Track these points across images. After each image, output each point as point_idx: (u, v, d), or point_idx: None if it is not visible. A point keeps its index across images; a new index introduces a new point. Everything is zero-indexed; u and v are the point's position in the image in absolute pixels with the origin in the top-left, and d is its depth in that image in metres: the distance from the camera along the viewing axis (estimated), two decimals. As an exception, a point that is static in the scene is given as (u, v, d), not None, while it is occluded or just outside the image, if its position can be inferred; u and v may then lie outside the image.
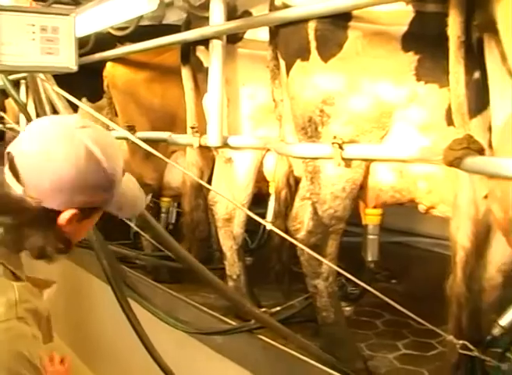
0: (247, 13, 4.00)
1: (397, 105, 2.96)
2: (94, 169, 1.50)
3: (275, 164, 3.81)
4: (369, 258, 3.36)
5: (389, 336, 3.82)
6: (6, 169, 1.51)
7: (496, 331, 2.72)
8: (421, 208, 3.21)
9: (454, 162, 2.36)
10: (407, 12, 2.94)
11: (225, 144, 3.85)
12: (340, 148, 2.86)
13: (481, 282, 2.80)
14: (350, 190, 3.10)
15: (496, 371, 2.67)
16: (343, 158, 2.89)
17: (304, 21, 3.13)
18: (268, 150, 3.83)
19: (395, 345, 3.68)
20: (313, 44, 3.12)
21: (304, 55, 3.17)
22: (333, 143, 2.87)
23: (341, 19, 3.04)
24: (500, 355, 2.68)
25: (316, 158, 3.11)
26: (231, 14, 3.87)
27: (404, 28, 2.94)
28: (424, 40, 2.88)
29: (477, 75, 2.74)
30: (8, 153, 1.51)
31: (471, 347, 2.60)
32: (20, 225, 1.51)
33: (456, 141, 2.39)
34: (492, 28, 2.47)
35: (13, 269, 1.54)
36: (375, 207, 3.25)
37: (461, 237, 2.58)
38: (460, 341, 2.61)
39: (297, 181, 3.59)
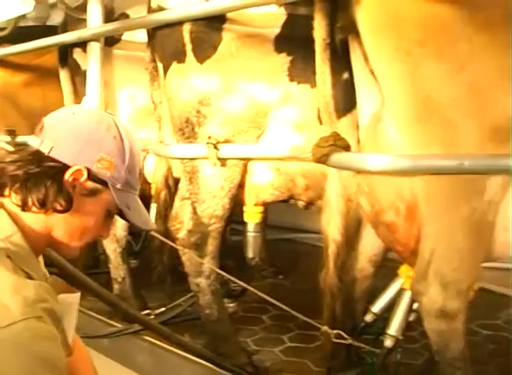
0: (124, 15, 3.99)
1: (272, 105, 3.04)
2: (112, 135, 1.56)
3: (154, 166, 3.82)
4: (250, 256, 3.42)
5: (275, 330, 3.91)
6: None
7: (369, 318, 2.85)
8: (300, 204, 3.31)
9: (322, 159, 2.46)
10: (279, 15, 3.03)
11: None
12: (215, 148, 2.91)
13: (354, 273, 2.94)
14: (229, 189, 3.16)
15: (371, 356, 2.80)
16: (219, 158, 2.95)
17: (179, 23, 3.17)
18: (148, 152, 3.83)
19: (280, 339, 3.78)
20: (188, 47, 3.15)
21: (180, 57, 3.20)
22: (208, 143, 2.92)
23: (215, 22, 3.09)
24: (374, 340, 2.82)
25: (193, 159, 3.15)
26: (108, 16, 3.85)
27: (277, 30, 3.03)
28: (295, 42, 2.98)
29: (345, 75, 2.87)
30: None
31: (345, 335, 2.72)
32: (31, 174, 1.51)
33: (323, 138, 2.49)
34: (354, 30, 2.59)
35: (26, 269, 1.47)
36: (255, 205, 3.32)
37: (332, 231, 2.69)
38: (334, 331, 2.72)
39: (177, 182, 3.63)
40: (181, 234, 3.33)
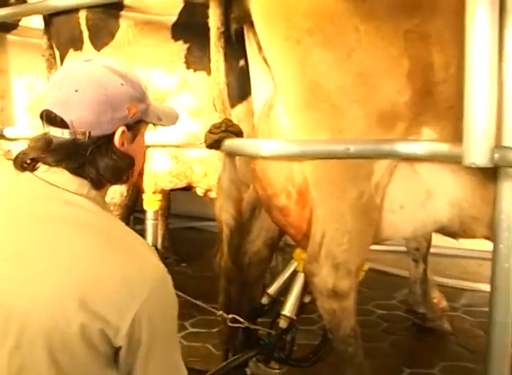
0: (21, 1, 3.89)
1: (169, 92, 3.06)
2: (120, 81, 1.57)
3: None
4: (150, 243, 3.42)
5: (178, 317, 3.92)
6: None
7: (265, 300, 2.92)
8: (199, 191, 3.35)
9: (214, 145, 2.51)
10: (176, 3, 3.05)
11: (2, 136, 3.73)
12: None
13: (249, 256, 3.00)
14: None
15: (268, 338, 2.87)
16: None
17: (75, 10, 3.13)
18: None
19: (183, 325, 3.81)
20: (85, 34, 3.13)
21: (77, 44, 3.17)
22: None
23: (113, 9, 3.07)
24: (271, 322, 2.88)
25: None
26: (4, 1, 3.75)
27: (174, 18, 3.05)
28: (192, 29, 3.01)
29: (241, 63, 2.92)
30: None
31: (240, 319, 2.77)
32: (85, 162, 1.54)
33: (215, 124, 2.53)
34: (248, 19, 2.64)
35: None
36: (154, 193, 3.33)
37: (225, 216, 2.73)
38: (230, 315, 2.77)
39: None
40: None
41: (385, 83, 2.36)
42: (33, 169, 1.59)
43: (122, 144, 1.59)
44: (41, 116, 1.58)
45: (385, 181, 2.48)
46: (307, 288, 2.75)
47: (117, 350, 1.45)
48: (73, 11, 3.13)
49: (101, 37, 3.10)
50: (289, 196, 2.57)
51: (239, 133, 2.51)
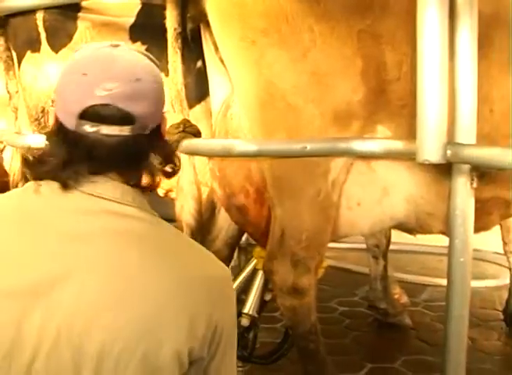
0: (-24, 2, 3.85)
1: None
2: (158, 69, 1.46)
3: (11, 157, 3.74)
4: None
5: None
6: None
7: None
8: (160, 192, 3.35)
9: (172, 145, 2.52)
10: (134, 4, 3.05)
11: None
12: None
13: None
14: None
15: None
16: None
17: (32, 11, 3.11)
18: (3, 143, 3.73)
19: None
20: (43, 35, 3.11)
21: (35, 45, 3.15)
22: None
23: (70, 10, 3.06)
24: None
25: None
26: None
27: (132, 19, 3.04)
28: (150, 31, 3.00)
29: (199, 64, 2.93)
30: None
31: None
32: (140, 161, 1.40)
33: (174, 125, 2.54)
34: (204, 20, 2.66)
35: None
36: None
37: (185, 216, 2.75)
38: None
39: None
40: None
41: (340, 83, 2.40)
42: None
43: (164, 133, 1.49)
44: (82, 115, 1.32)
45: (342, 179, 2.52)
46: (267, 286, 2.77)
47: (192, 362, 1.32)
48: (30, 12, 3.10)
49: (59, 38, 3.09)
50: (247, 195, 2.60)
51: (197, 134, 2.53)
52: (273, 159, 2.46)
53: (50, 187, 1.35)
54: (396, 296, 3.99)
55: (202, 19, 2.69)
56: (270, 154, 2.42)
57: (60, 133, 1.37)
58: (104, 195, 1.34)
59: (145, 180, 1.42)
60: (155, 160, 1.42)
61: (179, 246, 1.41)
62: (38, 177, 1.38)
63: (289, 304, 2.61)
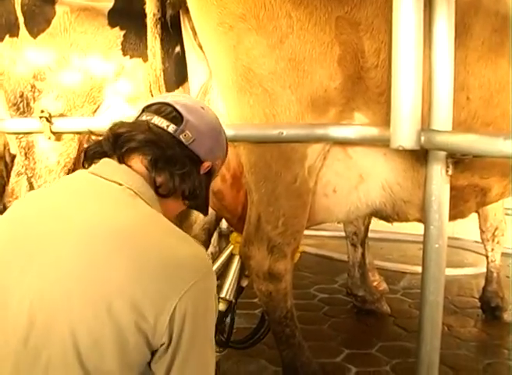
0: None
1: (106, 79, 3.05)
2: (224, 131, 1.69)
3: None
4: None
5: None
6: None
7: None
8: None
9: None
10: (113, -11, 3.03)
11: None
12: (48, 121, 2.89)
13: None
14: (65, 163, 3.14)
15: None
16: (53, 132, 2.92)
17: (10, -4, 3.09)
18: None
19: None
20: (21, 20, 3.08)
21: (13, 30, 3.12)
22: (41, 117, 2.89)
23: (48, -5, 3.04)
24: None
25: (28, 133, 3.10)
26: None
27: (110, 5, 3.03)
28: (129, 16, 3.00)
29: (177, 50, 2.93)
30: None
31: None
32: (174, 158, 1.52)
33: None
34: (184, 6, 2.66)
35: None
36: None
37: None
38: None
39: (14, 158, 3.55)
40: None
41: (317, 69, 2.41)
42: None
43: (203, 173, 1.61)
44: (146, 107, 1.61)
45: (319, 165, 2.53)
46: (244, 272, 2.78)
47: (154, 352, 1.36)
48: (9, -3, 3.09)
49: (37, 23, 3.06)
50: (223, 180, 2.61)
51: None
52: (250, 144, 2.47)
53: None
54: (375, 283, 4.02)
55: (181, 5, 2.69)
56: (246, 139, 2.43)
57: None
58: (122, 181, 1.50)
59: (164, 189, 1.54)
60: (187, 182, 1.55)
61: (170, 228, 1.47)
62: None
63: (265, 289, 2.63)
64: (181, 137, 1.54)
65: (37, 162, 3.15)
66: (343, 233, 4.55)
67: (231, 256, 2.81)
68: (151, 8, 2.69)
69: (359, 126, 2.36)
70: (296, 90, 2.43)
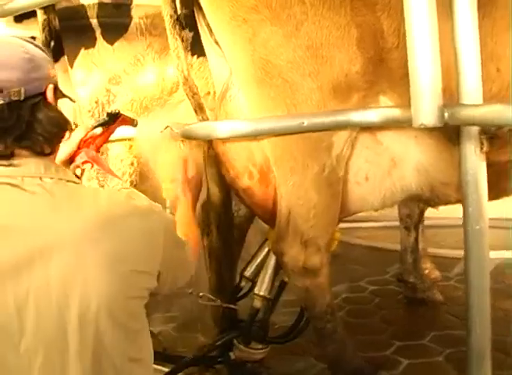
0: None
1: (176, 80, 3.00)
2: (33, 44, 1.61)
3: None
4: None
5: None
6: None
7: (243, 283, 2.91)
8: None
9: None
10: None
11: None
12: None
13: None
14: (138, 164, 3.18)
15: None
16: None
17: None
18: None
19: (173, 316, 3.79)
20: (98, 31, 3.13)
21: (89, 42, 3.16)
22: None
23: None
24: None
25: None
26: None
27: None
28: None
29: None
30: None
31: (211, 297, 2.81)
32: (28, 125, 1.52)
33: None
34: (197, 3, 2.62)
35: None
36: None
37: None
38: (200, 293, 2.80)
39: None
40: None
41: (336, 54, 2.33)
42: None
43: (55, 103, 1.61)
44: None
45: (347, 154, 2.46)
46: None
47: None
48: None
49: (114, 32, 3.13)
50: (251, 176, 2.56)
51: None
52: (274, 138, 2.41)
53: None
54: (427, 271, 3.88)
55: (195, 2, 2.66)
56: (267, 132, 2.37)
57: None
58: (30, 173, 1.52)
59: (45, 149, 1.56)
60: (45, 122, 1.54)
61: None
62: None
63: (302, 285, 2.57)
64: (13, 98, 1.49)
65: (110, 166, 3.13)
66: (392, 223, 4.44)
67: (268, 252, 2.76)
68: (167, 10, 2.66)
69: (381, 109, 2.26)
70: (317, 77, 2.36)
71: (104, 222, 1.49)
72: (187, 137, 2.49)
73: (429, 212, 3.85)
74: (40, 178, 1.51)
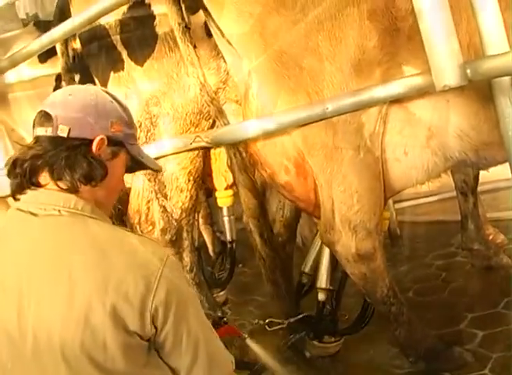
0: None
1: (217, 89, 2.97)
2: (110, 99, 1.66)
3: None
4: (228, 239, 3.43)
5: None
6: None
7: (305, 279, 2.86)
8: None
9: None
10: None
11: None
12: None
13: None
14: (194, 180, 3.09)
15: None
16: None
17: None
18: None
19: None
20: (124, 53, 3.03)
21: (117, 66, 3.05)
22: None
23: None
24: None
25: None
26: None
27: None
28: None
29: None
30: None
31: (277, 320, 2.81)
32: (64, 158, 1.56)
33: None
34: (204, 8, 2.60)
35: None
36: (226, 189, 3.27)
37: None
38: (266, 320, 2.83)
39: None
40: (155, 235, 3.20)
41: (349, 32, 2.27)
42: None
43: (99, 154, 1.60)
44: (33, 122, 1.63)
45: (380, 131, 2.38)
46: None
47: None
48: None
49: (142, 51, 3.02)
50: (287, 171, 2.50)
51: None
52: (303, 128, 2.35)
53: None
54: (491, 236, 3.74)
55: (202, 7, 2.63)
56: (293, 124, 2.31)
57: None
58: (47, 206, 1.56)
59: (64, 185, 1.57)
60: (78, 168, 1.56)
61: (110, 240, 1.54)
62: None
63: (358, 271, 2.50)
64: (59, 133, 1.55)
65: (167, 185, 3.13)
66: (449, 194, 4.30)
67: (321, 244, 2.71)
68: (174, 18, 2.64)
69: (402, 79, 2.18)
70: (334, 59, 2.30)
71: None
72: (217, 143, 2.46)
73: (483, 176, 3.71)
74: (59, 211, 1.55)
